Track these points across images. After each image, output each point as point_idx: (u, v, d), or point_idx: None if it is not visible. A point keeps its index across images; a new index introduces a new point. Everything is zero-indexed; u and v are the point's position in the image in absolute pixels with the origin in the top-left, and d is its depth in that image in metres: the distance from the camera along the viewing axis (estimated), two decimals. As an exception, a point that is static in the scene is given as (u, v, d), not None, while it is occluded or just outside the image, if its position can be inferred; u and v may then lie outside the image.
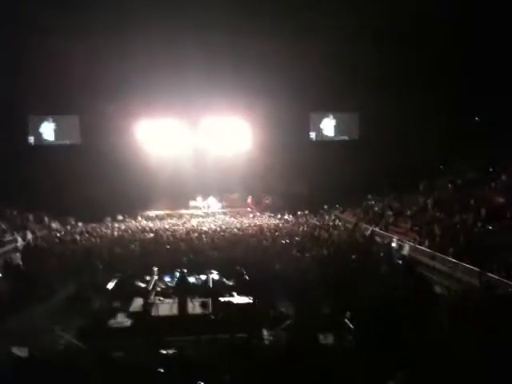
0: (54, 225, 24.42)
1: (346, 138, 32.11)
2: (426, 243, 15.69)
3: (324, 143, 31.87)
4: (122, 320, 10.56)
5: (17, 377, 6.71)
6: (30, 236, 21.22)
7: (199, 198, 30.08)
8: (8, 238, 20.14)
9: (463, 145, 24.80)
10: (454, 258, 13.46)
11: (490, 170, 20.70)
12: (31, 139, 30.80)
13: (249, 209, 29.38)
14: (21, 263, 16.19)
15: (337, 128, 32.26)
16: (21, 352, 7.27)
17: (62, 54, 25.23)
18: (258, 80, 27.09)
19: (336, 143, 31.77)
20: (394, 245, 16.48)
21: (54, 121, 31.13)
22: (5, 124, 27.25)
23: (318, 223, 22.40)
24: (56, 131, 31.19)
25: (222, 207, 30.05)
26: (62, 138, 31.13)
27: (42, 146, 30.71)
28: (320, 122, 32.27)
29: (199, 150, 30.64)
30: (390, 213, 21.32)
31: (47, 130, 31.12)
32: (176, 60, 26.34)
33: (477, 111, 27.73)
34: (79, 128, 30.73)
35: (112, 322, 10.47)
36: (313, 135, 32.19)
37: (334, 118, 32.27)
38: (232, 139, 31.01)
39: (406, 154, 26.38)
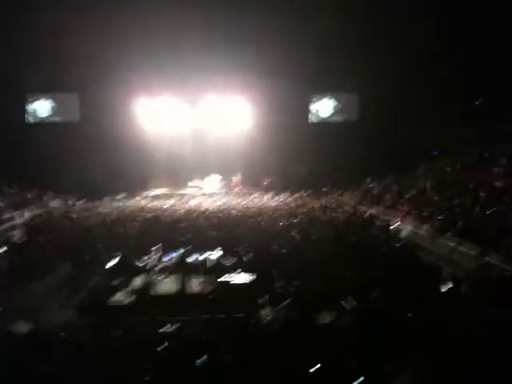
0: (53, 203, 24.41)
1: (345, 118, 31.96)
2: (425, 226, 15.72)
3: (323, 124, 31.80)
4: (121, 298, 10.60)
5: (16, 353, 6.76)
6: (28, 214, 21.26)
7: (198, 178, 30.05)
8: (6, 216, 20.17)
9: (463, 127, 24.75)
10: (452, 240, 13.52)
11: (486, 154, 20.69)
12: (30, 117, 30.70)
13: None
14: (18, 241, 16.27)
15: (336, 109, 32.12)
16: (20, 329, 7.30)
17: (60, 31, 24.91)
18: (258, 59, 26.95)
19: (335, 124, 31.67)
20: (392, 227, 16.56)
21: (52, 98, 30.97)
22: (3, 102, 27.15)
23: (316, 205, 22.42)
24: (54, 109, 31.04)
25: (221, 187, 29.99)
26: (61, 116, 31.00)
27: (40, 123, 30.65)
28: (319, 102, 32.10)
29: (199, 130, 30.53)
30: (389, 195, 21.33)
31: (46, 108, 30.98)
32: (176, 37, 26.10)
33: (478, 93, 27.46)
34: (78, 106, 30.57)
35: (111, 301, 10.52)
36: (312, 116, 32.06)
37: (333, 98, 32.11)
38: (232, 119, 30.90)
39: (405, 136, 26.38)
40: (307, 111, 31.87)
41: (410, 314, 7.81)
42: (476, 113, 26.33)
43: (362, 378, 5.84)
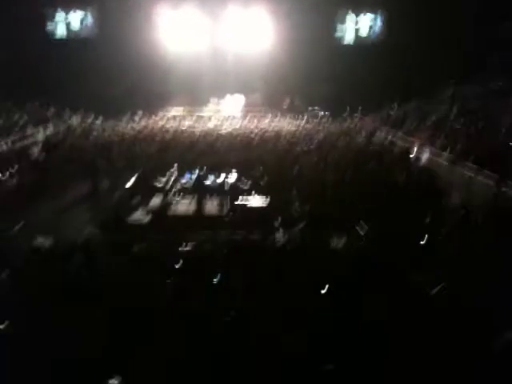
0: (74, 120, 24.50)
1: (371, 38, 30.65)
2: (447, 151, 15.49)
3: (348, 44, 30.62)
4: (141, 216, 10.89)
5: (40, 265, 7.05)
6: (49, 130, 21.46)
7: (217, 98, 29.60)
8: (28, 131, 20.41)
9: (492, 53, 23.68)
10: (471, 169, 13.36)
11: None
12: (46, 34, 30.08)
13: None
14: (39, 158, 16.47)
15: (363, 27, 30.73)
16: (44, 241, 7.56)
17: None
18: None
19: (361, 44, 30.45)
20: (412, 152, 16.41)
21: (67, 14, 30.17)
22: (20, 17, 26.56)
23: (336, 129, 22.12)
24: (70, 25, 30.34)
25: (241, 108, 29.57)
26: (77, 32, 30.35)
27: (57, 40, 30.10)
28: (345, 19, 30.69)
29: (218, 46, 29.54)
30: (410, 121, 20.93)
31: (61, 24, 30.26)
32: None
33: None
34: (96, 20, 29.83)
35: (131, 218, 10.81)
36: (337, 35, 30.78)
37: (361, 15, 30.62)
38: (253, 34, 29.65)
39: (432, 60, 25.34)
40: (332, 29, 30.50)
41: (422, 241, 7.92)
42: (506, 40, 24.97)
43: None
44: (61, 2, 28.95)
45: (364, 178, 12.62)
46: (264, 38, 29.57)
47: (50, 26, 29.99)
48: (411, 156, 16.24)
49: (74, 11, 30.06)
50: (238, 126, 23.11)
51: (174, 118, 26.65)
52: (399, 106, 24.21)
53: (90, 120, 24.20)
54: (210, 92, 29.22)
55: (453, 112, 19.35)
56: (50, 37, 30.00)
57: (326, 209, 10.33)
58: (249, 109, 28.81)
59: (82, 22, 30.24)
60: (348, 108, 26.03)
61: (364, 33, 30.69)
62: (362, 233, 8.71)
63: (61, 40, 30.09)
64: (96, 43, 28.75)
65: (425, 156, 15.74)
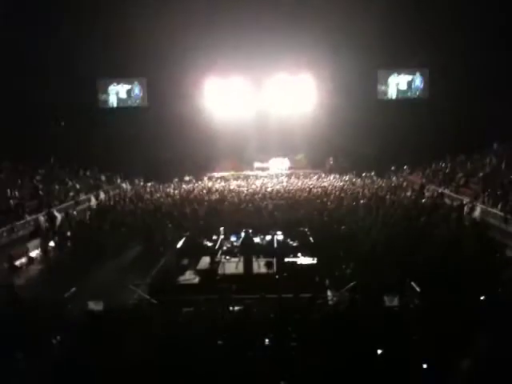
0: (125, 185, 25.36)
1: (414, 95, 30.85)
2: (499, 206, 15.02)
3: (391, 102, 30.85)
4: (190, 277, 10.89)
5: (92, 330, 7.11)
6: (102, 195, 22.24)
7: (263, 159, 30.11)
8: (82, 197, 21.22)
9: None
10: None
11: None
12: (100, 103, 31.80)
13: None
14: (94, 221, 16.95)
15: (404, 86, 31.00)
16: (96, 306, 7.64)
17: (128, 16, 25.45)
18: (323, 35, 26.37)
19: (403, 102, 30.60)
20: (464, 207, 15.97)
21: (122, 83, 31.92)
22: (75, 87, 28.18)
23: (384, 185, 21.90)
24: (124, 94, 32.02)
25: (286, 168, 29.93)
26: (130, 101, 31.96)
27: (110, 108, 31.72)
28: (387, 79, 31.11)
29: (263, 110, 30.40)
30: (461, 174, 20.51)
31: (116, 93, 32.00)
32: (241, 16, 26.13)
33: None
34: (146, 90, 31.42)
35: (181, 279, 10.83)
36: (380, 93, 31.15)
37: (402, 74, 30.98)
38: (297, 98, 30.51)
39: (477, 112, 24.95)
40: (374, 88, 30.93)
41: (482, 297, 7.57)
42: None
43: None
44: (111, 72, 30.55)
45: (419, 233, 12.31)
46: (307, 99, 30.27)
47: (100, 96, 31.71)
48: (463, 209, 15.83)
49: (125, 82, 31.81)
50: (285, 184, 23.34)
51: (223, 178, 27.10)
52: (446, 160, 23.87)
53: (141, 184, 25.00)
54: (256, 154, 29.81)
55: (502, 165, 18.92)
56: (100, 105, 31.63)
57: (379, 267, 10.03)
58: (293, 171, 29.03)
59: (131, 91, 31.94)
60: (393, 164, 25.91)
61: (406, 90, 30.91)
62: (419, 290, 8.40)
63: (111, 108, 31.70)
64: (145, 111, 30.22)
65: (477, 210, 15.32)
